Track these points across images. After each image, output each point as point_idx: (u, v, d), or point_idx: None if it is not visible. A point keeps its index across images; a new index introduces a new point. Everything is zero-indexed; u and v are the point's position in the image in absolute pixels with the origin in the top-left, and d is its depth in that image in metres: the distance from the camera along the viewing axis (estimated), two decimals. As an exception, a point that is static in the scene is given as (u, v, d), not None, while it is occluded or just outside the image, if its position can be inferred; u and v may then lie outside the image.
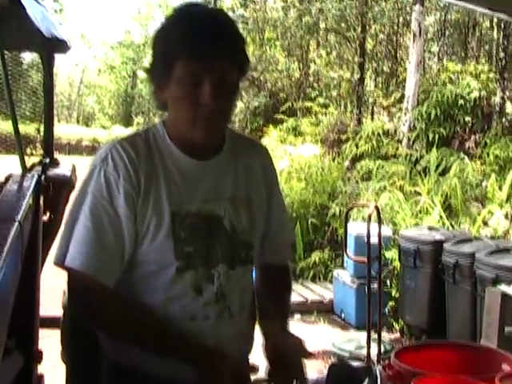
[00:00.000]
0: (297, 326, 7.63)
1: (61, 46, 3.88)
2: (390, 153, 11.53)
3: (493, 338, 3.13)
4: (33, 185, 3.09)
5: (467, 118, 11.47)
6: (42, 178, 3.31)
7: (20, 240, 2.50)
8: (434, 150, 10.65)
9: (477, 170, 9.78)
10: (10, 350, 2.53)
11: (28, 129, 4.09)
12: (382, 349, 5.53)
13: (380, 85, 16.67)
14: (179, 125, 1.95)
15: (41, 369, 3.48)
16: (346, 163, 11.97)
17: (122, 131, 25.34)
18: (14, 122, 3.36)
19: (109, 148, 1.94)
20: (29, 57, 4.45)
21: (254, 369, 1.90)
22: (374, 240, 5.54)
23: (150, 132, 2.01)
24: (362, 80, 14.71)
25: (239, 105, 16.98)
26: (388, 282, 7.50)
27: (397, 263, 7.44)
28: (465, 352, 2.15)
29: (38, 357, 3.29)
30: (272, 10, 17.61)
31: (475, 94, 11.58)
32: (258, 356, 1.96)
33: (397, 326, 7.38)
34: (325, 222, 9.79)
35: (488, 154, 10.21)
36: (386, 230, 7.58)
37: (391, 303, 7.46)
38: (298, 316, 7.95)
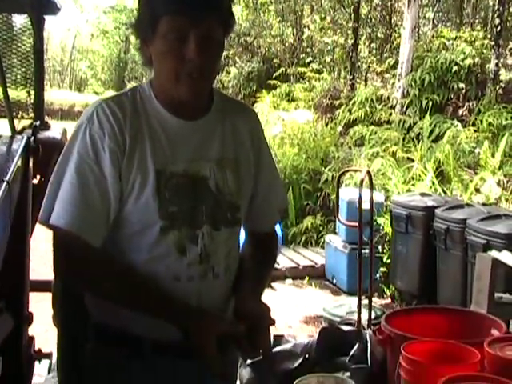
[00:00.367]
0: (288, 290, 7.69)
1: (50, 7, 3.84)
2: (383, 119, 11.51)
3: (483, 304, 3.13)
4: (22, 146, 3.07)
5: (461, 85, 11.43)
6: (32, 140, 3.28)
7: (8, 201, 2.48)
8: (428, 116, 10.63)
9: (470, 137, 9.77)
10: (0, 311, 2.53)
11: (20, 94, 4.07)
12: (373, 314, 5.56)
13: (374, 51, 16.60)
14: (164, 81, 1.94)
15: (33, 332, 3.50)
16: (339, 129, 11.96)
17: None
18: (3, 85, 3.33)
19: (95, 107, 1.93)
20: (21, 21, 4.40)
21: (273, 321, 1.91)
22: (366, 206, 5.53)
23: (137, 92, 2.00)
24: (355, 46, 14.62)
25: (232, 70, 16.92)
26: (380, 247, 7.53)
27: (388, 229, 7.46)
28: (455, 317, 2.16)
29: (28, 319, 3.30)
30: (266, -27, 17.47)
31: (469, 61, 11.53)
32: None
33: (388, 292, 7.43)
34: (317, 187, 9.80)
35: (481, 121, 10.19)
36: (379, 196, 7.59)
37: (383, 269, 7.49)
38: (289, 281, 8.00)
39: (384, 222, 7.58)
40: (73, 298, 2.06)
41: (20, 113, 4.02)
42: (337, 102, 12.90)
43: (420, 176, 8.76)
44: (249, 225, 2.16)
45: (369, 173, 5.75)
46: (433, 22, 16.26)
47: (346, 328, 2.95)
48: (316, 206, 9.67)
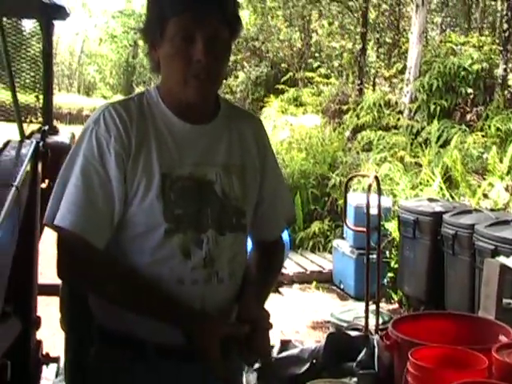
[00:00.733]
0: (296, 295, 7.68)
1: (60, 12, 3.85)
2: (390, 124, 11.50)
3: (491, 310, 3.13)
4: (31, 151, 3.08)
5: (469, 90, 11.42)
6: (41, 144, 3.29)
7: (17, 205, 2.49)
8: (435, 121, 10.62)
9: (478, 143, 9.76)
10: (8, 315, 2.53)
11: (29, 98, 4.08)
12: (380, 319, 5.54)
13: (382, 55, 16.59)
14: (171, 85, 1.96)
15: (40, 336, 3.50)
16: (347, 134, 11.96)
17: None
18: (13, 89, 3.34)
19: (101, 111, 1.95)
20: (30, 25, 4.42)
21: (271, 325, 1.92)
22: (374, 211, 5.53)
23: (144, 97, 2.02)
24: (363, 50, 14.61)
25: (240, 75, 16.94)
26: (387, 252, 7.52)
27: (396, 234, 7.45)
28: (462, 323, 2.16)
29: (36, 322, 3.30)
30: (274, -22, 17.47)
31: (477, 66, 11.52)
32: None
33: (395, 297, 7.41)
34: (325, 192, 9.80)
35: (489, 127, 10.18)
36: (386, 201, 7.58)
37: (390, 274, 7.48)
38: (296, 286, 7.99)
39: (392, 227, 7.57)
40: (78, 299, 2.07)
41: (29, 117, 4.03)
42: (345, 107, 12.90)
43: (428, 181, 8.74)
44: (255, 233, 2.16)
45: (376, 178, 5.75)
46: (441, 27, 16.26)
47: (353, 333, 2.96)
48: (323, 210, 9.67)
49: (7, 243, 2.24)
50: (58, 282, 2.07)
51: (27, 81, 4.12)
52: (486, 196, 8.11)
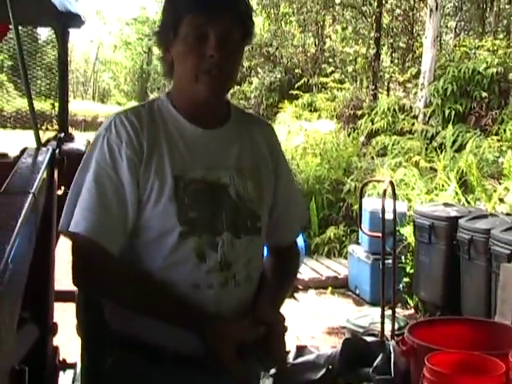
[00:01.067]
0: (311, 301, 7.66)
1: (75, 20, 3.88)
2: (405, 129, 11.47)
3: (507, 315, 3.11)
4: (47, 158, 3.09)
5: (484, 94, 11.37)
6: (57, 152, 3.31)
7: (34, 212, 2.50)
8: (450, 126, 10.59)
9: (493, 147, 9.71)
10: (25, 321, 2.55)
11: (45, 105, 4.11)
12: (396, 325, 5.53)
13: (396, 60, 16.59)
14: (183, 84, 1.98)
15: (57, 342, 3.52)
16: (362, 139, 11.95)
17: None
18: (29, 97, 3.36)
19: (113, 118, 1.98)
20: (45, 33, 4.45)
21: (286, 328, 1.92)
22: (389, 216, 5.52)
23: (155, 103, 2.05)
24: (377, 55, 14.61)
25: (254, 81, 16.97)
26: (403, 257, 7.48)
27: (411, 239, 7.42)
28: (479, 328, 2.15)
29: (53, 329, 3.32)
30: (287, -16, 17.51)
31: (492, 70, 11.46)
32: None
33: (411, 302, 7.38)
34: (340, 197, 9.78)
35: (504, 131, 10.12)
36: (401, 206, 7.56)
37: (406, 279, 7.45)
38: (312, 291, 7.97)
39: (407, 232, 7.54)
40: (94, 306, 2.08)
41: (45, 124, 4.06)
42: (359, 112, 12.89)
43: (443, 186, 8.71)
44: (269, 239, 2.16)
45: (391, 183, 5.73)
46: (455, 31, 16.24)
47: (369, 339, 2.96)
48: (339, 216, 9.65)
49: (25, 250, 2.25)
50: (74, 288, 2.08)
51: (43, 88, 4.15)
52: (501, 200, 8.06)
